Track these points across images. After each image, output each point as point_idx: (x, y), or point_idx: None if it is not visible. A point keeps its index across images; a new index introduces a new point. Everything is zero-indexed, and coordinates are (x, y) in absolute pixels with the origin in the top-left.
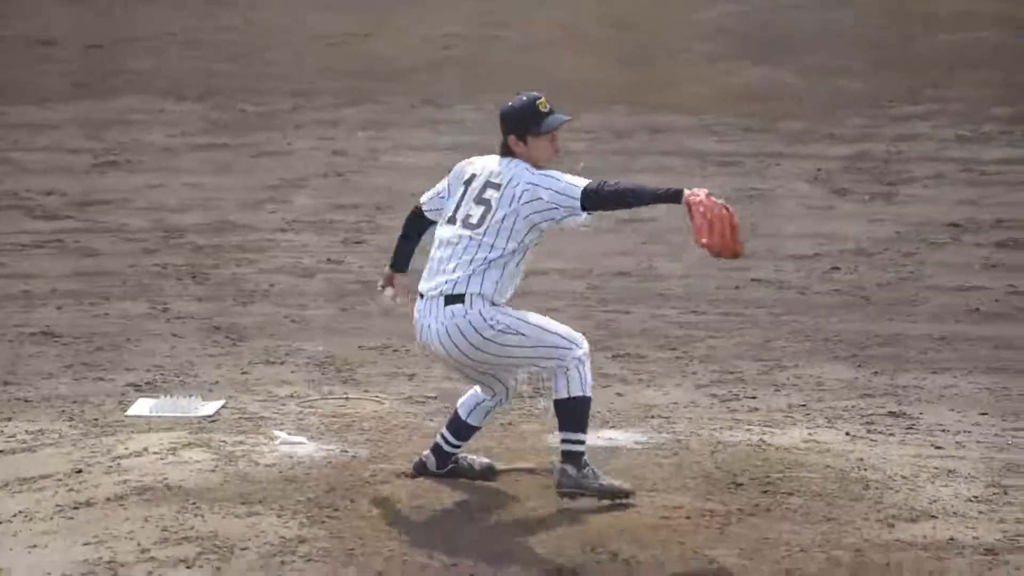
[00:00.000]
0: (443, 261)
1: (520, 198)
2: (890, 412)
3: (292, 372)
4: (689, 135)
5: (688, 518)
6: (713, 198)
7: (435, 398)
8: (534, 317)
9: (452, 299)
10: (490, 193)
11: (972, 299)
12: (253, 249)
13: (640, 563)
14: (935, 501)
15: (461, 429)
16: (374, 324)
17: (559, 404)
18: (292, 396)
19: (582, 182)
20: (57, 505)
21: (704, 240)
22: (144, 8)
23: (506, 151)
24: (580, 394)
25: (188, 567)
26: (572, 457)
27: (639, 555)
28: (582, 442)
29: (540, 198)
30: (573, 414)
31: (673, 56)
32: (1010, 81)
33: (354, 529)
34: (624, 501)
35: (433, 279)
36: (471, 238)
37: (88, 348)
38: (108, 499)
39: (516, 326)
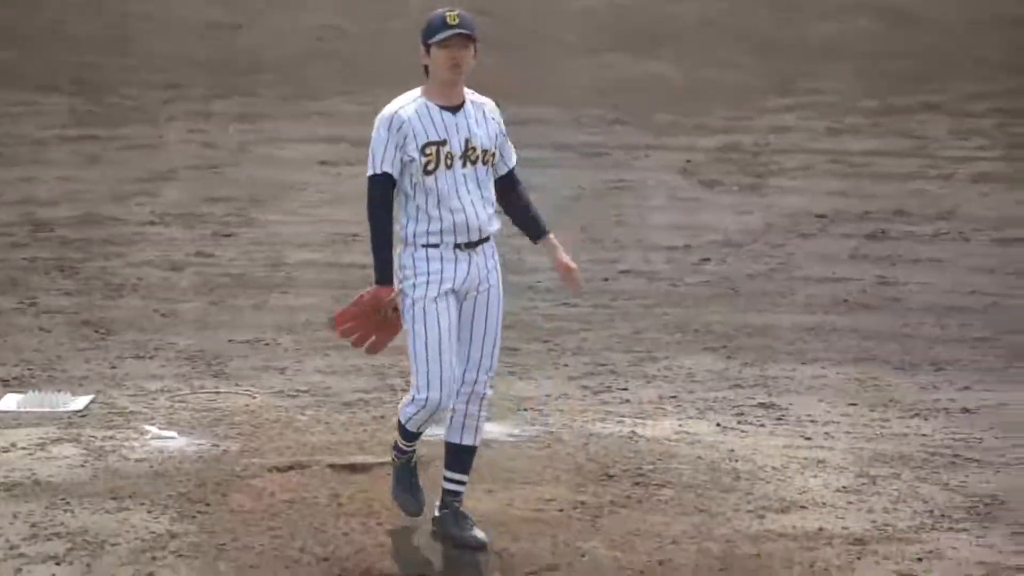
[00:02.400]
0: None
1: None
2: (760, 403)
3: (162, 366)
4: (558, 127)
5: (561, 510)
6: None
7: (307, 392)
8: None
9: None
10: None
11: (840, 290)
12: (122, 242)
13: (512, 555)
14: (804, 491)
15: None
16: (244, 318)
17: None
18: (162, 390)
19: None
20: None
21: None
22: None
23: None
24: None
25: (58, 563)
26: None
27: (511, 547)
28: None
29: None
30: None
31: (547, 46)
32: (878, 72)
33: (225, 524)
34: (493, 491)
35: None
36: None
37: None
38: None
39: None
